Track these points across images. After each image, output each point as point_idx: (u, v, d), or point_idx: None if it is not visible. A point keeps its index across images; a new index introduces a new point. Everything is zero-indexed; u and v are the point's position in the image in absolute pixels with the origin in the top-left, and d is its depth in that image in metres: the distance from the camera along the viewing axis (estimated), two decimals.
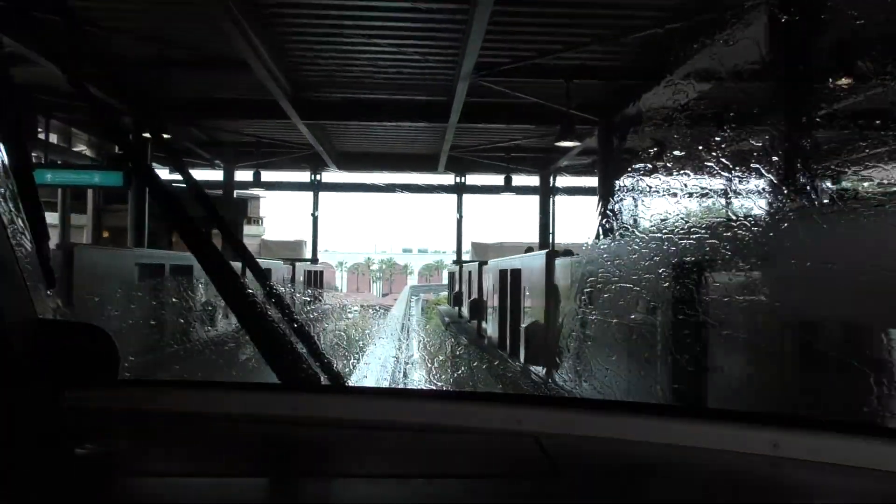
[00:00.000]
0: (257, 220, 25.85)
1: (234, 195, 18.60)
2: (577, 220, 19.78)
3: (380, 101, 12.78)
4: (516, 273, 9.76)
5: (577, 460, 1.21)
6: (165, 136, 13.76)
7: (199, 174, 19.57)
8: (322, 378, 1.60)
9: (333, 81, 11.99)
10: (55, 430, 1.29)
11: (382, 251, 79.19)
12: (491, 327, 11.74)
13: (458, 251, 20.75)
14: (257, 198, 24.23)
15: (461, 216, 20.32)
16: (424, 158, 19.27)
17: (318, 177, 19.78)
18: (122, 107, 6.88)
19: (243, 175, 20.06)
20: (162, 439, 1.30)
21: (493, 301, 11.59)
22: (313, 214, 19.92)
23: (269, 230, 26.54)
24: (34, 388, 1.36)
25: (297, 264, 15.45)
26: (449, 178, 20.43)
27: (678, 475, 1.18)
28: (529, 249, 12.00)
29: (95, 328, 1.47)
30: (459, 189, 20.28)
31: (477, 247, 21.90)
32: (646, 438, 1.23)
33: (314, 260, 19.89)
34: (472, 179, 20.76)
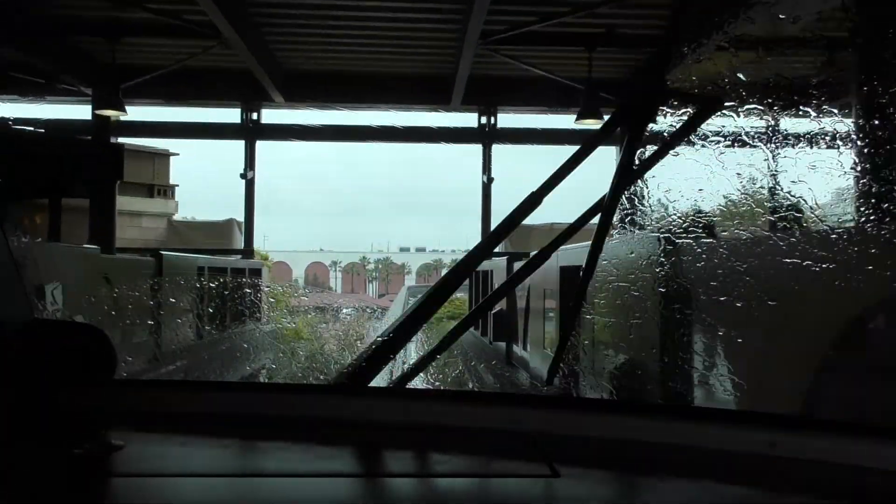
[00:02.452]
0: (164, 191, 17.17)
1: (110, 142, 10.94)
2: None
3: None
4: None
5: (576, 460, 1.20)
6: None
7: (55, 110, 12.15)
8: (321, 378, 1.70)
9: None
10: (53, 431, 1.29)
11: (379, 250, 78.17)
12: None
13: (485, 235, 12.93)
14: (165, 155, 16.20)
15: (490, 179, 12.59)
16: (429, 83, 11.54)
17: (253, 115, 12.10)
18: None
19: (145, 114, 12.39)
20: (160, 439, 1.31)
21: None
22: (245, 176, 12.14)
23: (186, 206, 18.62)
24: (31, 389, 1.37)
25: (174, 259, 7.70)
26: (470, 119, 12.75)
27: (677, 475, 1.18)
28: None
29: (93, 328, 1.47)
30: (487, 134, 12.60)
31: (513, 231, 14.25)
32: (646, 438, 1.23)
33: (246, 251, 11.97)
34: (506, 121, 13.09)
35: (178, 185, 16.77)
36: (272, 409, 1.38)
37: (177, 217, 16.41)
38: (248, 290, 9.72)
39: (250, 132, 11.94)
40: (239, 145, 12.23)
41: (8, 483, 1.02)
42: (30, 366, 1.38)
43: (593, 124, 9.46)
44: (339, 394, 1.57)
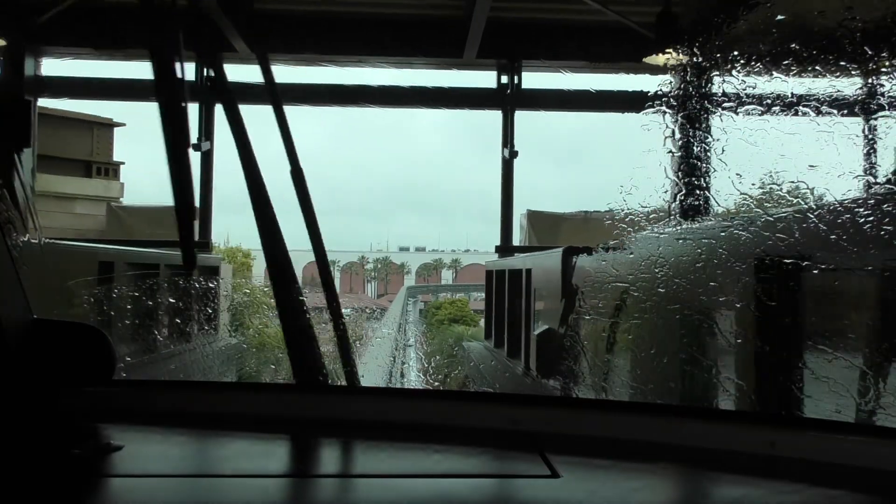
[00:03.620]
0: (106, 169, 14.30)
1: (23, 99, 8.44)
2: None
3: None
4: None
5: (576, 460, 1.21)
6: None
7: None
8: (321, 378, 1.57)
9: None
10: (52, 430, 1.29)
11: (378, 249, 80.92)
12: None
13: (506, 226, 10.15)
14: (108, 125, 13.50)
15: (513, 153, 10.00)
16: (436, 30, 9.01)
17: (209, 71, 9.56)
18: None
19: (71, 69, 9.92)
20: (159, 439, 1.31)
21: None
22: (199, 147, 9.56)
23: (134, 188, 15.76)
24: (31, 389, 1.36)
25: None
26: (488, 78, 10.18)
27: (677, 475, 1.19)
28: None
29: (92, 328, 1.45)
30: (509, 97, 10.04)
31: (536, 219, 11.47)
32: (646, 438, 1.24)
33: (202, 243, 9.27)
34: (531, 80, 10.50)
35: (123, 163, 13.87)
36: (272, 410, 1.39)
37: (123, 202, 13.71)
38: (193, 296, 7.14)
39: (208, 91, 9.36)
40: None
41: (6, 483, 1.02)
42: (30, 366, 1.39)
43: (671, 61, 6.83)
44: (338, 394, 1.57)
